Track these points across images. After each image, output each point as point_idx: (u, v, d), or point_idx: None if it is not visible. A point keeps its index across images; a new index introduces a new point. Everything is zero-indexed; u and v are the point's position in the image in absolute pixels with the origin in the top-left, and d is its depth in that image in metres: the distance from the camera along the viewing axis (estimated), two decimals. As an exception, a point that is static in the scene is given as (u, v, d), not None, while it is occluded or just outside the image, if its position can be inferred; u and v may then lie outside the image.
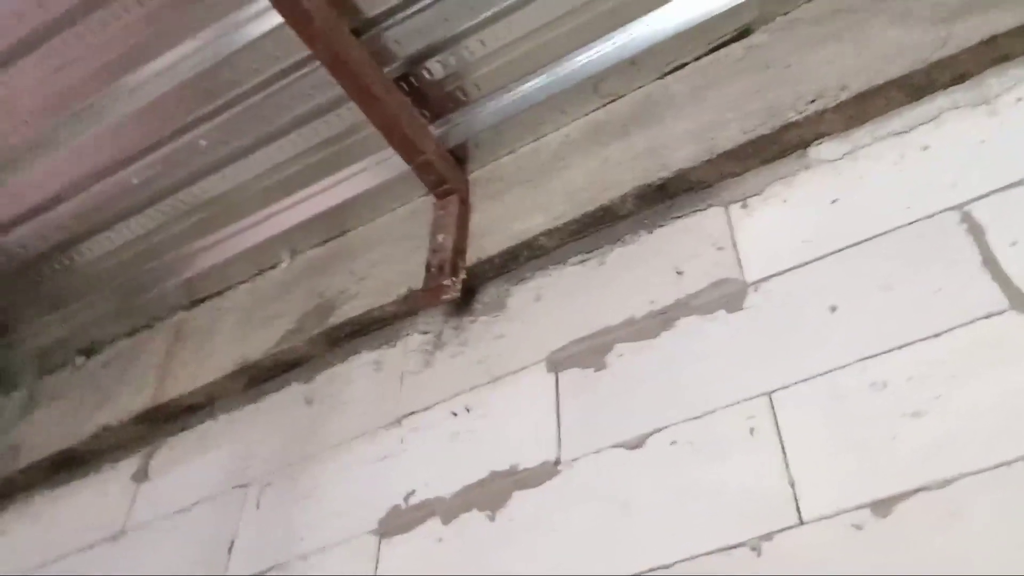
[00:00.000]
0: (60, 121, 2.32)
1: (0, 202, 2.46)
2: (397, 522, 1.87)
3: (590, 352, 1.90)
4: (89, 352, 2.79)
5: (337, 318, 2.28)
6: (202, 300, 2.67)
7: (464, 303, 2.17)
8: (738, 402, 1.65)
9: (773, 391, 1.63)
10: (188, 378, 2.44)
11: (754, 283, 1.81)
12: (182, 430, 2.43)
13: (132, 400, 2.50)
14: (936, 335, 1.55)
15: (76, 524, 2.41)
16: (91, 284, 2.70)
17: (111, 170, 2.41)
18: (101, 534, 2.31)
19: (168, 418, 2.45)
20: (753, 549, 1.47)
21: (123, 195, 2.47)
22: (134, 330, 2.75)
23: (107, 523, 2.33)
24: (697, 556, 1.51)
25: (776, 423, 1.59)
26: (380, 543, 1.86)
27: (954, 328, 1.55)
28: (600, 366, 1.87)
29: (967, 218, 1.67)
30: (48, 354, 2.83)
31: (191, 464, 2.33)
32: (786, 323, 1.72)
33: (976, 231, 1.65)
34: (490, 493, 1.79)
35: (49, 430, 2.62)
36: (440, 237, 2.22)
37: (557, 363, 1.93)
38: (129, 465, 2.45)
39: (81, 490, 2.50)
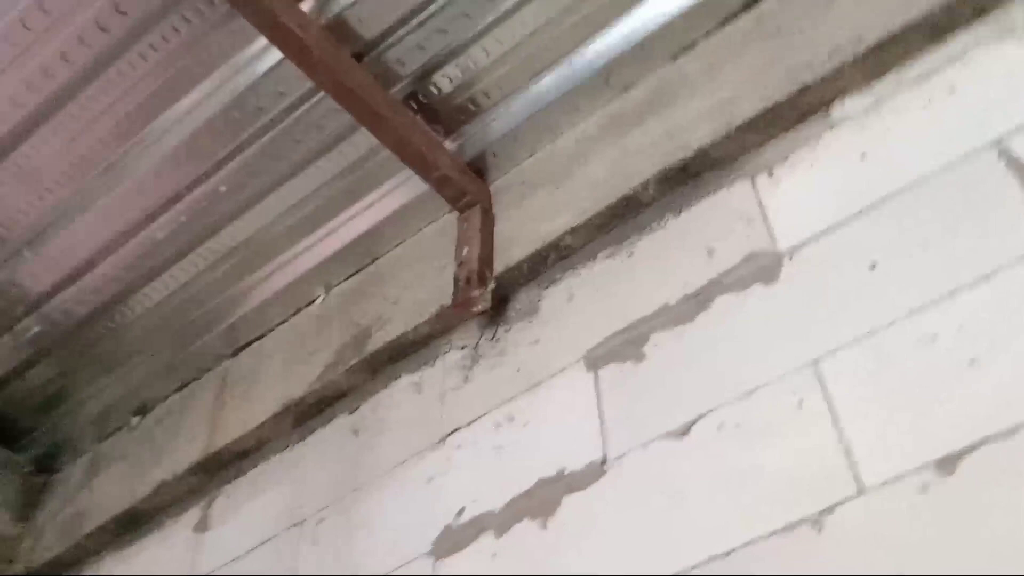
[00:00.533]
0: (83, 185, 2.35)
1: (36, 271, 2.50)
2: (450, 542, 1.82)
3: (627, 345, 1.84)
4: (143, 411, 2.81)
5: (374, 345, 2.25)
6: (245, 346, 2.67)
7: (497, 313, 2.12)
8: (783, 376, 1.57)
9: (818, 359, 1.55)
10: (238, 424, 2.44)
11: (788, 252, 1.73)
12: (237, 476, 2.42)
13: (186, 453, 2.51)
14: (984, 279, 1.46)
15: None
16: (136, 344, 2.72)
17: (138, 227, 2.43)
18: (167, 588, 2.31)
19: (222, 466, 2.45)
20: (814, 526, 1.39)
21: (154, 251, 2.49)
22: (183, 384, 2.76)
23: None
24: (756, 540, 1.43)
25: (825, 392, 1.51)
26: (435, 565, 1.81)
27: (1003, 269, 1.45)
28: (639, 358, 1.80)
29: (1005, 154, 1.58)
30: (104, 418, 2.86)
31: (248, 509, 2.32)
32: (825, 288, 1.63)
33: (1016, 166, 1.55)
34: (540, 501, 1.73)
35: (111, 492, 2.64)
36: (465, 250, 2.18)
37: (595, 360, 1.87)
38: (190, 517, 2.45)
39: (147, 547, 2.51)
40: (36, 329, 2.62)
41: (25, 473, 2.90)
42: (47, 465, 2.93)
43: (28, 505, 2.84)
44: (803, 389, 1.53)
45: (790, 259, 1.72)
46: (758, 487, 1.48)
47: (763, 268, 1.74)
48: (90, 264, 2.50)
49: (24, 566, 2.70)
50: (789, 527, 1.41)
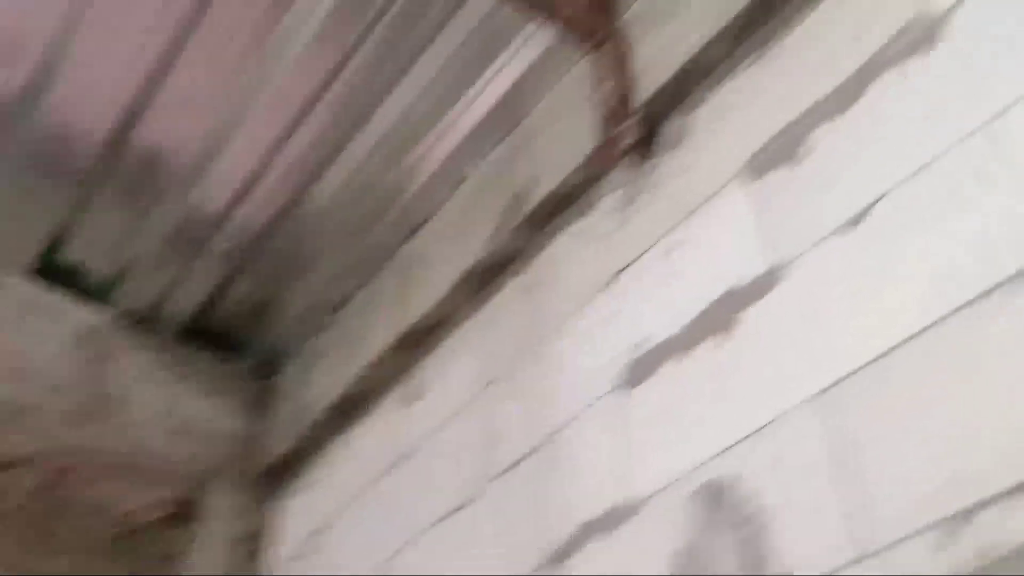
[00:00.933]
0: (233, 99, 2.46)
1: (212, 192, 2.66)
2: (634, 375, 1.84)
3: (784, 149, 1.75)
4: (339, 306, 2.97)
5: (532, 204, 2.27)
6: (416, 229, 2.75)
7: (646, 146, 2.07)
8: (955, 144, 1.46)
9: (991, 120, 1.42)
10: (422, 303, 2.54)
11: (943, 15, 1.57)
12: (430, 351, 2.55)
13: (383, 337, 2.65)
14: None
15: (365, 458, 2.61)
16: (318, 245, 2.87)
17: (290, 131, 2.52)
18: (387, 461, 2.49)
19: (415, 343, 2.57)
20: (1007, 293, 1.30)
21: (310, 152, 2.59)
22: (369, 275, 2.89)
23: (390, 450, 2.50)
24: (944, 318, 1.36)
25: (1003, 154, 1.39)
26: (624, 398, 1.84)
27: None
28: (797, 159, 1.72)
29: None
30: (307, 318, 3.05)
31: (444, 378, 2.45)
32: (989, 45, 1.48)
33: None
34: (714, 322, 1.72)
35: (325, 385, 2.85)
36: (604, 89, 2.12)
37: (753, 172, 1.80)
38: (396, 394, 2.62)
39: (364, 428, 2.70)
40: (225, 246, 2.81)
41: (251, 379, 3.16)
42: (268, 369, 3.18)
43: (258, 407, 3.12)
44: (980, 152, 1.41)
45: (947, 23, 1.56)
46: (941, 264, 1.40)
47: (918, 38, 1.60)
48: (257, 175, 2.63)
49: (264, 461, 2.98)
50: (980, 298, 1.33)
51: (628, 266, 1.98)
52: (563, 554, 1.81)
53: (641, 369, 1.84)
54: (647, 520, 1.68)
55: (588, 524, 1.79)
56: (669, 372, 1.78)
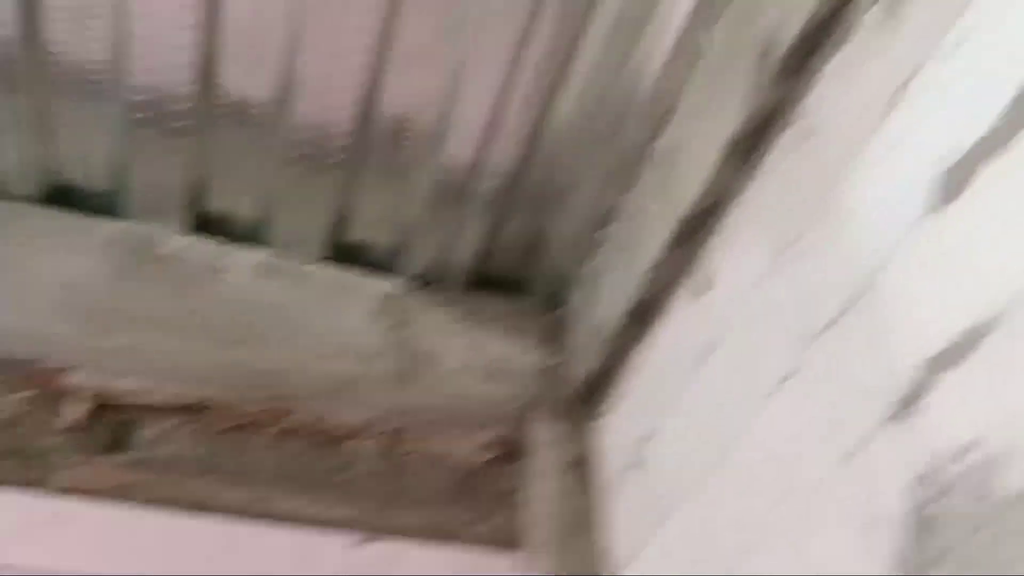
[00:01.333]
0: (455, 42, 2.47)
1: (462, 140, 2.69)
2: (948, 189, 1.65)
3: None
4: (607, 221, 2.95)
5: (782, 51, 2.10)
6: (666, 118, 2.65)
7: (899, -56, 1.85)
8: None
9: None
10: (690, 189, 2.45)
11: None
12: (712, 234, 2.45)
13: (658, 236, 2.59)
14: None
15: (672, 358, 2.59)
16: (572, 166, 2.85)
17: (516, 57, 2.49)
18: (696, 354, 2.43)
19: (694, 232, 2.49)
20: None
21: (542, 72, 2.56)
22: (629, 181, 2.83)
23: (695, 343, 2.45)
24: None
25: None
26: (941, 218, 1.66)
27: None
28: None
29: None
30: (578, 243, 3.05)
31: (734, 256, 2.35)
32: None
33: None
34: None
35: (612, 300, 2.85)
36: (835, -102, 1.92)
37: (1038, -75, 1.55)
38: (687, 288, 2.56)
39: (662, 330, 2.67)
40: (486, 189, 2.86)
41: (542, 311, 3.23)
42: (556, 298, 3.23)
43: (556, 336, 3.19)
44: None
45: None
46: None
47: None
48: (498, 109, 2.63)
49: (573, 386, 3.04)
50: None
51: (912, 77, 1.77)
52: (913, 396, 1.67)
53: (954, 181, 1.64)
54: (1006, 338, 1.50)
55: (934, 359, 1.64)
56: (989, 174, 1.57)
